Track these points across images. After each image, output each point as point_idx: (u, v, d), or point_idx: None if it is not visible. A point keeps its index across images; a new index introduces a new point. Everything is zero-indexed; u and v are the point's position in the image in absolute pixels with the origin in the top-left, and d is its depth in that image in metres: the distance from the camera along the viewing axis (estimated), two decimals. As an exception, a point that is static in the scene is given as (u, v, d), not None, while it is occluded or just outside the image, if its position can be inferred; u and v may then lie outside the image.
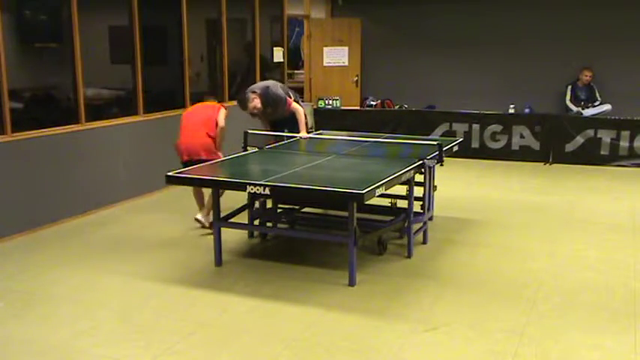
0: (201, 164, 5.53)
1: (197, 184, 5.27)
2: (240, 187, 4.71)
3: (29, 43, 6.24)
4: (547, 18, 10.25)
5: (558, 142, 9.18)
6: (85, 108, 6.50)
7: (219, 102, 6.40)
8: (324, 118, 10.21)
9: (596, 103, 9.82)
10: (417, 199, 5.54)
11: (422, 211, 5.68)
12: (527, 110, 10.26)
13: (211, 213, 5.45)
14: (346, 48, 11.33)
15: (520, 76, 10.39)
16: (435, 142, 5.70)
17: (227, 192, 5.33)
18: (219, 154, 5.97)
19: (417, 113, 10.14)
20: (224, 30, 8.74)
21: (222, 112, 6.14)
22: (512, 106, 10.31)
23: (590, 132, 9.05)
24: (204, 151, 5.91)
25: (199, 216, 5.98)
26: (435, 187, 6.04)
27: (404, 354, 3.72)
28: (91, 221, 6.41)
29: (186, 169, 5.23)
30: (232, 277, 4.94)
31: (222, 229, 5.13)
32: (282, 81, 10.58)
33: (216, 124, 6.04)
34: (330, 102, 10.93)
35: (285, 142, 6.49)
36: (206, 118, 6.03)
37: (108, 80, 7.21)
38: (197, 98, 8.33)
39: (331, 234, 5.60)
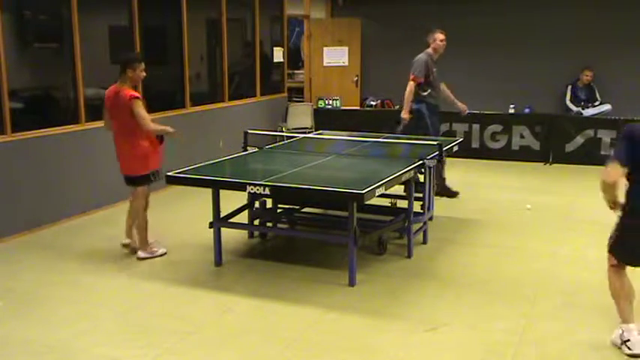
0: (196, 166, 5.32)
1: (197, 184, 5.24)
2: (240, 187, 4.71)
3: (29, 43, 6.24)
4: (547, 18, 10.23)
5: (558, 142, 9.18)
6: (85, 108, 6.50)
7: (130, 82, 5.23)
8: (324, 118, 10.21)
9: (596, 103, 9.80)
10: (417, 199, 5.54)
11: (422, 211, 5.68)
12: (527, 110, 10.25)
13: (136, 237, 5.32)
14: (346, 48, 11.32)
15: (520, 76, 10.37)
16: (435, 142, 5.70)
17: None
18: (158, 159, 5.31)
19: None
20: (224, 30, 8.74)
21: (137, 108, 5.10)
22: (512, 106, 10.29)
23: (590, 132, 9.05)
24: (137, 163, 5.23)
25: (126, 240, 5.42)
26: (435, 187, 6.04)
27: (404, 354, 3.72)
28: (91, 221, 6.41)
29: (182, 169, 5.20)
30: (232, 277, 4.94)
31: (222, 229, 5.14)
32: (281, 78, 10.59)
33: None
34: (330, 102, 10.92)
35: (285, 142, 6.49)
36: (125, 122, 5.15)
37: (108, 80, 7.19)
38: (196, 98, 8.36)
39: (331, 234, 5.59)
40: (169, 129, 5.27)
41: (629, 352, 3.60)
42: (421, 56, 7.15)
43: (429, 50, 7.19)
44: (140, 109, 5.12)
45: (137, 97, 5.15)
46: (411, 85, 7.10)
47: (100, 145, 6.73)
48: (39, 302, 4.44)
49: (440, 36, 7.16)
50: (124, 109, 5.11)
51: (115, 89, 5.22)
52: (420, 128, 7.06)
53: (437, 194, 7.11)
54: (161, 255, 5.35)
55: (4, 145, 5.75)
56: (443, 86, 7.43)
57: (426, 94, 7.14)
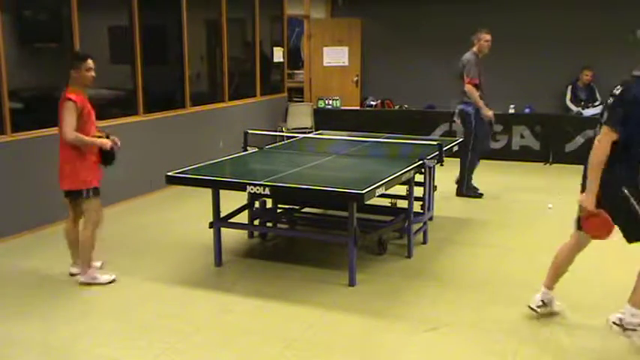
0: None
1: (197, 184, 5.24)
2: (240, 187, 4.71)
3: (29, 43, 6.24)
4: (547, 18, 10.24)
5: (558, 142, 9.18)
6: (85, 108, 6.50)
7: (77, 84, 4.60)
8: (324, 118, 10.22)
9: (596, 103, 9.80)
10: (417, 199, 5.54)
11: (422, 211, 5.68)
12: (527, 110, 10.26)
13: (90, 262, 4.73)
14: (346, 48, 11.33)
15: (520, 76, 10.38)
16: (435, 142, 5.70)
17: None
18: (90, 175, 4.68)
19: (417, 113, 10.15)
20: (224, 30, 8.75)
21: (64, 110, 4.54)
22: (512, 106, 10.30)
23: (590, 132, 9.03)
24: (67, 179, 4.68)
25: (74, 269, 4.87)
26: (435, 187, 6.04)
27: (404, 354, 3.72)
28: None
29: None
30: (232, 277, 4.94)
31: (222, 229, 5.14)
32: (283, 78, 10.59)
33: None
34: (330, 102, 10.93)
35: (285, 142, 6.48)
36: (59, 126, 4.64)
37: (108, 80, 7.20)
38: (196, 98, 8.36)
39: (331, 234, 5.60)
40: (101, 142, 4.67)
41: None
42: (470, 57, 7.14)
43: (475, 49, 7.19)
44: (67, 112, 4.48)
45: (70, 100, 4.49)
46: (470, 88, 7.08)
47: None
48: (39, 302, 4.44)
49: (486, 36, 7.14)
50: (60, 111, 4.59)
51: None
52: (466, 129, 7.18)
53: (462, 195, 7.18)
54: (107, 282, 4.71)
55: (4, 145, 5.75)
56: None
57: (478, 92, 7.12)
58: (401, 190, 5.40)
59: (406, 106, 11.05)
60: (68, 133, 4.50)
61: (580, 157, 9.45)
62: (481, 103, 7.10)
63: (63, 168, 4.67)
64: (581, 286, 4.68)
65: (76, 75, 4.58)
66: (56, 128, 6.16)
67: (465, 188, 7.28)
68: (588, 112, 9.67)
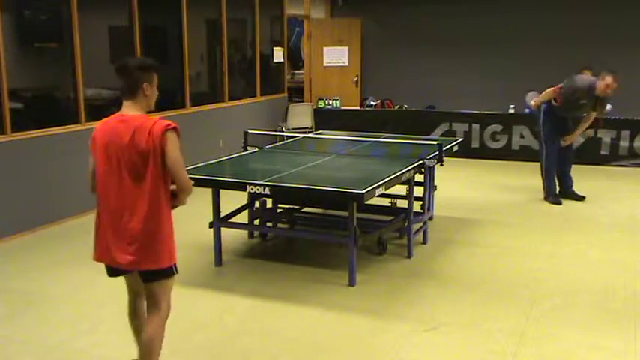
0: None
1: (197, 184, 5.22)
2: (240, 187, 4.71)
3: (29, 43, 6.24)
4: (547, 18, 10.24)
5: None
6: (85, 108, 6.50)
7: (145, 105, 3.35)
8: (324, 118, 10.22)
9: (596, 103, 9.79)
10: (417, 199, 5.54)
11: (422, 211, 5.68)
12: (527, 110, 10.24)
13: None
14: (346, 48, 11.33)
15: (520, 76, 10.38)
16: (435, 142, 5.70)
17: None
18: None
19: (417, 113, 10.15)
20: (224, 30, 8.75)
21: (171, 145, 3.16)
22: (512, 106, 10.30)
23: (590, 132, 9.05)
24: (163, 247, 3.54)
25: None
26: (435, 187, 6.04)
27: (404, 354, 3.72)
28: (91, 221, 6.37)
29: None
30: (232, 277, 4.94)
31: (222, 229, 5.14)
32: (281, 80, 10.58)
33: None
34: (330, 102, 10.93)
35: (285, 142, 6.48)
36: (140, 172, 3.31)
37: (108, 80, 7.20)
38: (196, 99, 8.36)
39: (331, 234, 5.59)
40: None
41: None
42: (582, 81, 7.09)
43: (595, 84, 6.92)
44: (177, 145, 3.08)
45: (175, 128, 3.08)
46: (549, 90, 7.18)
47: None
48: (39, 302, 4.44)
49: (607, 79, 6.77)
50: (147, 150, 3.10)
51: (122, 119, 3.26)
52: (538, 125, 7.46)
53: (565, 197, 7.08)
54: None
55: (4, 145, 5.75)
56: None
57: (555, 103, 7.11)
58: (401, 190, 5.40)
59: (406, 106, 11.06)
60: (187, 177, 3.14)
61: (580, 156, 9.49)
62: (536, 98, 7.36)
63: (161, 234, 3.42)
64: (590, 287, 4.68)
65: (150, 92, 3.25)
66: (60, 127, 6.27)
67: (546, 193, 7.10)
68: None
